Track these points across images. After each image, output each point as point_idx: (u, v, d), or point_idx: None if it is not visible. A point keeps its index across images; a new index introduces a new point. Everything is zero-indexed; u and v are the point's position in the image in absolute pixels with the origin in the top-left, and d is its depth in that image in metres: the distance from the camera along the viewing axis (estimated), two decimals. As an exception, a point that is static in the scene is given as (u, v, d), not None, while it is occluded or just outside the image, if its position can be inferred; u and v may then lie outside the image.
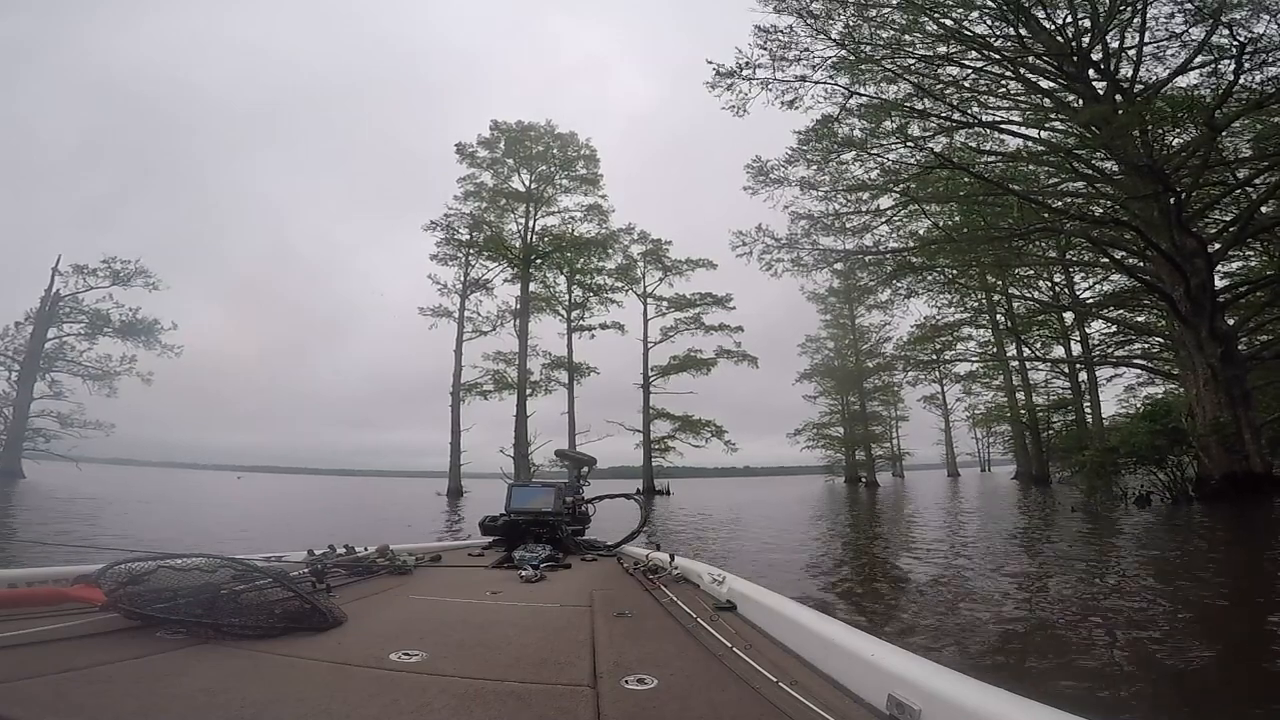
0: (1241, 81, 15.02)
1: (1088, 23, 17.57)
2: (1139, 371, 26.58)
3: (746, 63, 19.37)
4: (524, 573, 3.19)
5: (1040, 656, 4.70)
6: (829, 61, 19.11)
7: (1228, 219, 18.27)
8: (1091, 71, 17.76)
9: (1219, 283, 17.36)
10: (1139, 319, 24.88)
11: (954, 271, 22.85)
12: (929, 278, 22.87)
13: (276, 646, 1.78)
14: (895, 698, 1.28)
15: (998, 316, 35.10)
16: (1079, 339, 33.26)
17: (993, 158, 19.83)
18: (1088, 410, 35.88)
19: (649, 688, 1.52)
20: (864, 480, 49.22)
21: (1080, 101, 17.72)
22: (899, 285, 23.34)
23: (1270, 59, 14.81)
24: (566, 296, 40.88)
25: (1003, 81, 19.30)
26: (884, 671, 1.37)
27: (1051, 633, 5.32)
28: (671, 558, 3.23)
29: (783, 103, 19.69)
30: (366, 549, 3.29)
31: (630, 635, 2.04)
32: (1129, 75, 17.56)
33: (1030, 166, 19.99)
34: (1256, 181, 16.90)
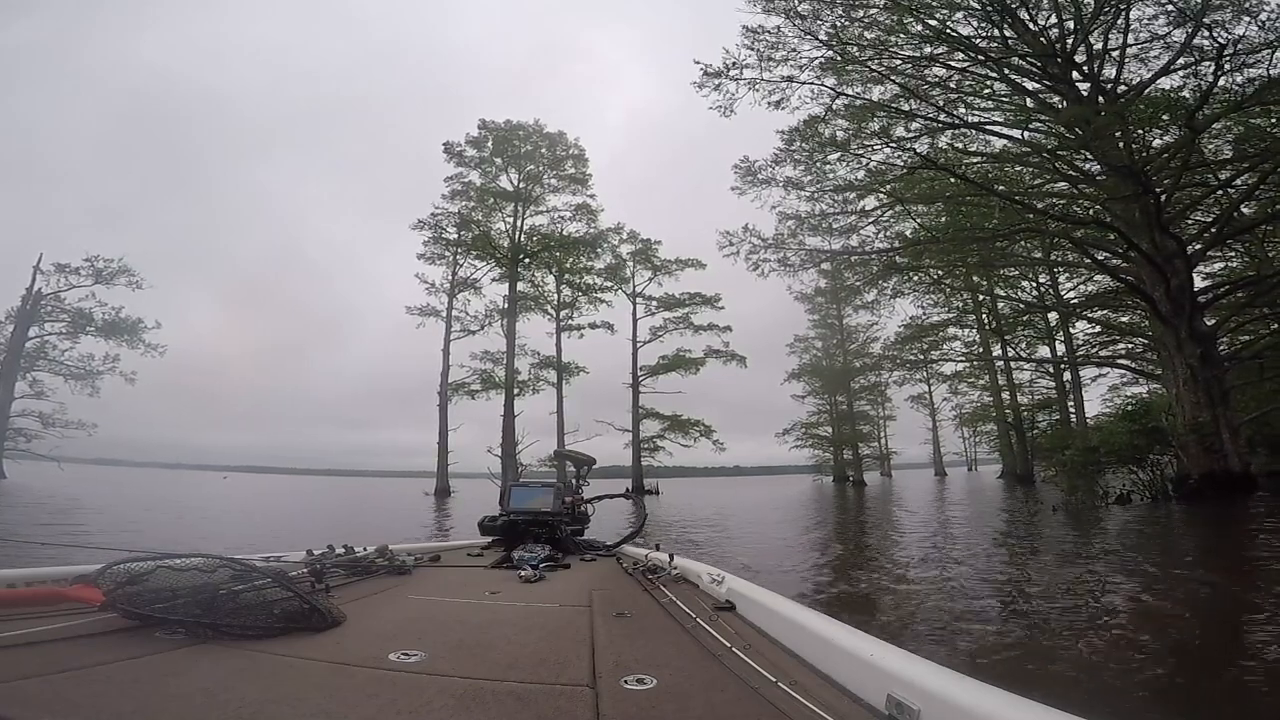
0: (1222, 83, 15.21)
1: (1072, 24, 17.75)
2: (1123, 371, 26.88)
3: (734, 63, 19.40)
4: (523, 573, 3.18)
5: (1036, 655, 4.75)
6: (816, 62, 19.19)
7: (1208, 220, 18.46)
8: (1075, 73, 17.93)
9: (1199, 283, 17.55)
10: (1122, 319, 25.09)
11: (940, 272, 22.98)
12: (915, 278, 22.98)
13: (275, 647, 1.78)
14: (894, 697, 1.28)
15: (983, 317, 35.37)
16: (1063, 339, 33.60)
17: (978, 158, 19.98)
18: (1072, 409, 36.27)
19: (648, 688, 1.52)
20: (851, 479, 49.48)
21: (1064, 103, 17.90)
22: (885, 285, 23.49)
23: (1250, 60, 15.02)
24: (555, 296, 40.76)
25: (987, 82, 19.43)
26: (883, 671, 1.38)
27: (1044, 631, 5.38)
28: (671, 557, 3.23)
29: (770, 103, 19.74)
30: (365, 549, 3.28)
31: (629, 635, 2.04)
32: (1112, 76, 17.75)
33: (1015, 167, 20.17)
34: (1236, 183, 17.04)
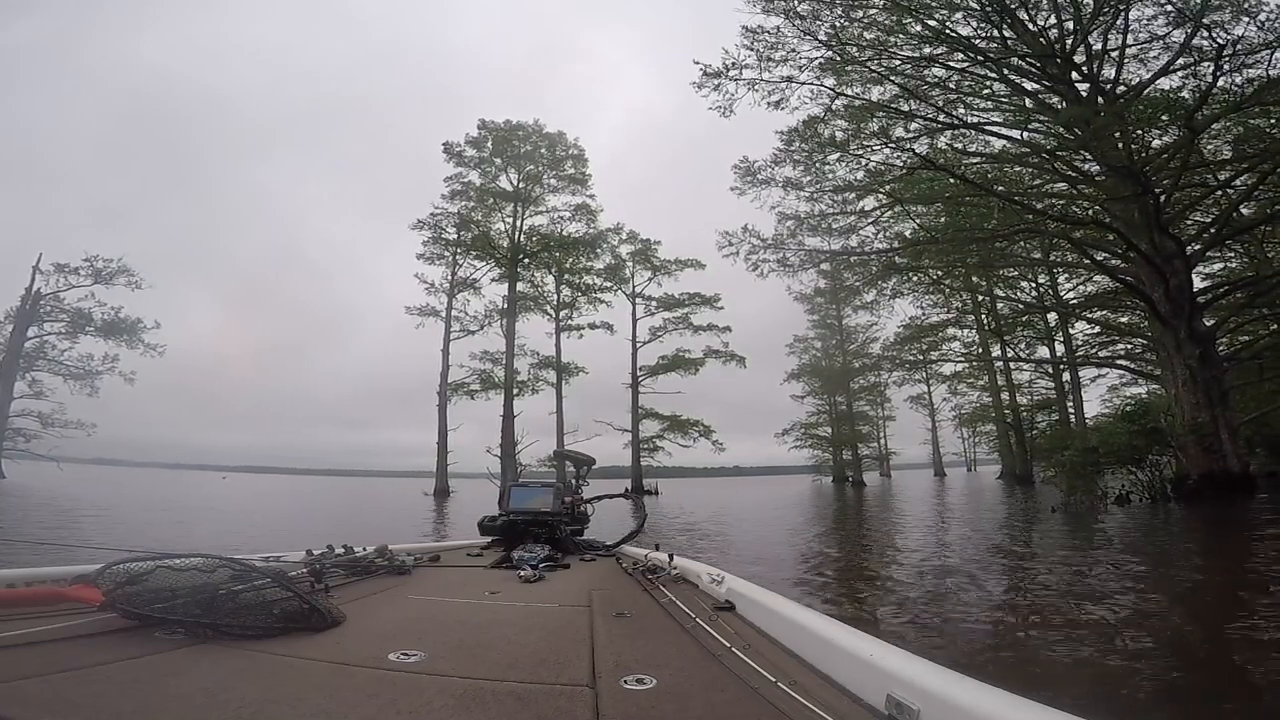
0: (1221, 84, 15.22)
1: (1071, 24, 17.76)
2: (1122, 372, 26.91)
3: (733, 63, 19.42)
4: (523, 573, 3.19)
5: (1035, 655, 4.76)
6: (815, 63, 19.21)
7: (1207, 220, 18.46)
8: (1075, 74, 17.94)
9: (1198, 284, 17.57)
10: (1121, 320, 25.14)
11: (939, 272, 23.00)
12: (914, 279, 23.01)
13: (275, 647, 1.78)
14: (894, 697, 1.28)
15: (982, 317, 35.41)
16: (1062, 339, 33.62)
17: (977, 159, 20.00)
18: (1071, 410, 36.29)
19: (648, 688, 1.52)
20: (851, 480, 49.47)
21: (1063, 104, 17.92)
22: (885, 286, 23.54)
23: (1249, 60, 15.03)
24: (554, 296, 40.77)
25: (987, 83, 19.45)
26: (883, 671, 1.38)
27: (1043, 632, 5.38)
28: (670, 557, 3.23)
29: (769, 104, 19.76)
30: (365, 549, 3.29)
31: (629, 635, 2.04)
32: (1111, 77, 17.76)
33: (1014, 168, 20.18)
34: (1235, 183, 17.04)
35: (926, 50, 18.92)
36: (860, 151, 19.77)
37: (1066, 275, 28.41)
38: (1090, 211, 18.14)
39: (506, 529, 4.34)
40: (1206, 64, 15.42)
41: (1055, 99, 18.38)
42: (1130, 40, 17.36)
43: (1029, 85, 18.94)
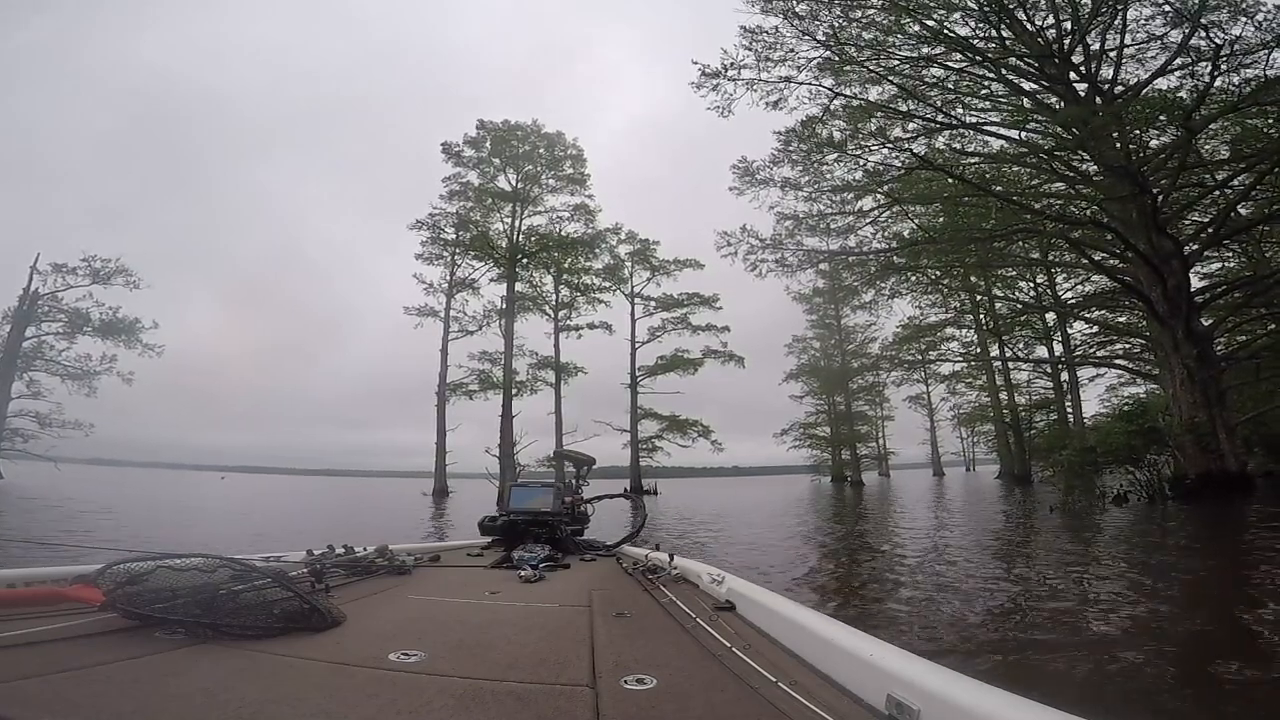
0: (1219, 84, 15.24)
1: (1069, 24, 17.78)
2: (1120, 372, 26.92)
3: (732, 63, 19.44)
4: (523, 573, 3.19)
5: (1034, 655, 4.76)
6: (814, 63, 19.24)
7: (1205, 220, 18.48)
8: (1073, 74, 17.97)
9: (1196, 284, 17.59)
10: (1120, 320, 25.13)
11: (937, 272, 23.02)
12: (913, 278, 23.06)
13: (275, 647, 1.78)
14: (894, 698, 1.29)
15: (981, 317, 35.42)
16: (1061, 339, 33.64)
17: (975, 159, 20.02)
18: (1070, 410, 36.32)
19: (648, 688, 1.52)
20: (849, 480, 49.47)
21: (1061, 104, 17.95)
22: (883, 286, 23.57)
23: (1247, 60, 15.05)
24: (553, 296, 40.69)
25: (985, 83, 19.48)
26: (883, 671, 1.38)
27: (1042, 632, 5.39)
28: (671, 557, 3.23)
29: (768, 104, 19.78)
30: (365, 549, 3.29)
31: (629, 635, 2.04)
32: (1109, 77, 17.79)
33: (1012, 168, 20.20)
34: (1233, 183, 17.04)
35: (925, 50, 18.94)
36: (858, 151, 19.80)
37: (1064, 275, 28.44)
38: (1088, 211, 18.13)
39: (506, 529, 4.35)
40: (1204, 64, 15.42)
41: (1053, 99, 18.40)
42: (1128, 40, 17.40)
43: (1027, 85, 18.95)
